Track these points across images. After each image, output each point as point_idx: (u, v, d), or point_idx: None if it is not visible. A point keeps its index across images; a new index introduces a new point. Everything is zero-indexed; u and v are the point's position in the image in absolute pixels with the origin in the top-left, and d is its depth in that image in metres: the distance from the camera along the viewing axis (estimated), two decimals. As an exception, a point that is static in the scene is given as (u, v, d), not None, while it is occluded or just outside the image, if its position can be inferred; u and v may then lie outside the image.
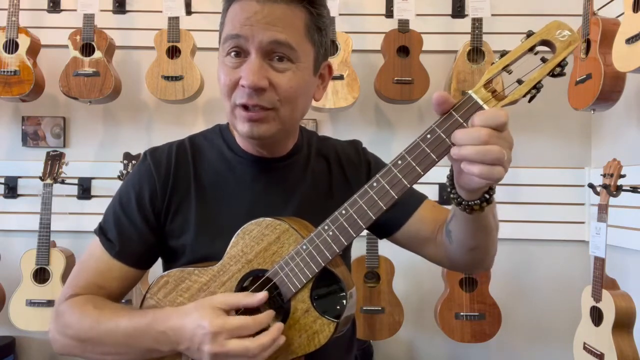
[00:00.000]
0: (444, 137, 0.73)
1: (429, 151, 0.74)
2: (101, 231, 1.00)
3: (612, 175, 1.87)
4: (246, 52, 0.87)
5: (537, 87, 0.72)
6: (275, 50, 0.87)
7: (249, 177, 1.01)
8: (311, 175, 1.05)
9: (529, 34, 0.72)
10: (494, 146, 0.68)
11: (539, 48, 0.73)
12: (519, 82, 0.73)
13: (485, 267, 1.03)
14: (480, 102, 0.72)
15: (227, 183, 1.00)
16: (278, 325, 0.83)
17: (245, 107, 0.88)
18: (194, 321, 0.82)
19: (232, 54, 0.88)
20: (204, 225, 0.98)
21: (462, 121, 0.72)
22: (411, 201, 1.05)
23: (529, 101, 0.74)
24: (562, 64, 0.71)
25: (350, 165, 1.08)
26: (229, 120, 0.95)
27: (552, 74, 0.72)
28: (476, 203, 0.77)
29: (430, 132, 0.74)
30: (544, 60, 0.72)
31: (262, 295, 0.85)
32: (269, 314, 0.84)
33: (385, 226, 1.06)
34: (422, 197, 1.07)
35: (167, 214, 0.99)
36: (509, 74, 0.74)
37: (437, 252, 1.02)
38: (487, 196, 0.77)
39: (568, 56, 0.71)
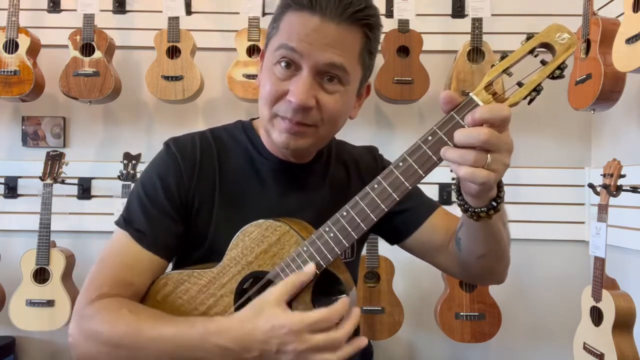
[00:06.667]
0: (446, 139, 0.73)
1: (430, 153, 0.74)
2: (127, 223, 0.94)
3: (612, 175, 1.87)
4: (298, 66, 0.85)
5: (537, 89, 0.72)
6: (329, 72, 0.85)
7: (271, 180, 1.00)
8: (330, 181, 1.04)
9: (529, 37, 0.73)
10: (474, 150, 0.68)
11: (538, 50, 0.73)
12: (519, 84, 0.73)
13: (498, 278, 1.00)
14: (481, 104, 0.72)
15: (250, 183, 0.99)
16: (357, 311, 0.82)
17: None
18: (265, 324, 0.77)
19: (283, 64, 0.86)
20: (223, 223, 0.96)
21: (463, 123, 0.72)
22: (423, 209, 1.04)
23: (529, 103, 0.74)
24: (561, 67, 0.72)
25: (368, 173, 1.07)
26: (264, 126, 0.93)
27: (552, 77, 0.73)
28: (482, 210, 0.77)
29: (431, 134, 0.75)
30: (543, 62, 0.72)
31: (311, 267, 0.82)
32: (344, 301, 0.80)
33: (396, 232, 1.05)
34: (434, 205, 1.06)
35: (192, 207, 0.96)
36: (509, 76, 0.75)
37: (448, 261, 1.01)
38: (494, 204, 0.76)
39: (567, 59, 0.72)
